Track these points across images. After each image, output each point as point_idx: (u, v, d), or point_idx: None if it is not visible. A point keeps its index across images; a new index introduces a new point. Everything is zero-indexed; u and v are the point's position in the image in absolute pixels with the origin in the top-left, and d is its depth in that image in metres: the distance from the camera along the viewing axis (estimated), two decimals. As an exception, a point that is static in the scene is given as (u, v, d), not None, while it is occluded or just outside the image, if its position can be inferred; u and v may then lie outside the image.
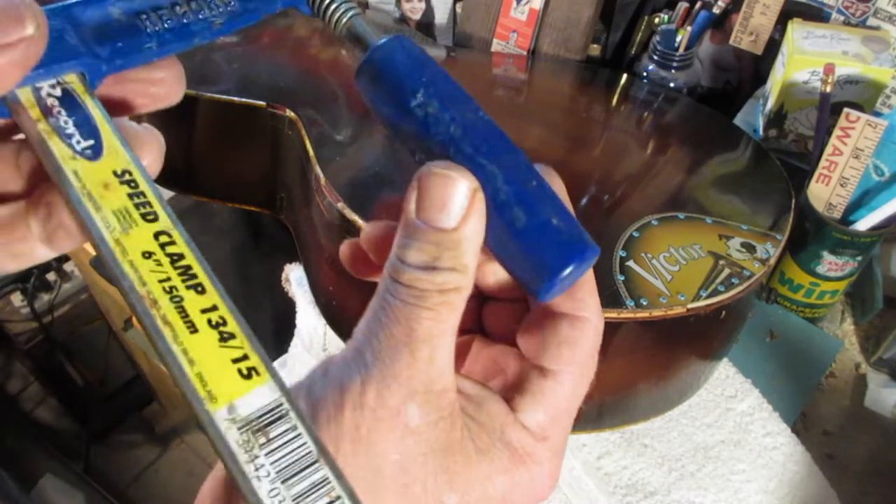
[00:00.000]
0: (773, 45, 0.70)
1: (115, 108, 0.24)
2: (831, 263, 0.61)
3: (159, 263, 0.20)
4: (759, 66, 0.76)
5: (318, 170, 0.54)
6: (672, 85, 0.74)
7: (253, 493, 0.18)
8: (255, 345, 0.20)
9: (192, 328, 0.19)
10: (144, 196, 0.21)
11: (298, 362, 0.61)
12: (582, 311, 0.26)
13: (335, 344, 0.58)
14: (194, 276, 0.20)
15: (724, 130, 0.68)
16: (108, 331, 1.38)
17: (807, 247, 0.61)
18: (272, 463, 0.18)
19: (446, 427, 0.23)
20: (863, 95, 0.64)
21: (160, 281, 0.20)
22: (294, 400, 0.19)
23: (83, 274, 1.47)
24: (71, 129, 0.21)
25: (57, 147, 0.21)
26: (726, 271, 0.50)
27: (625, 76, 0.74)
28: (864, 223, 0.58)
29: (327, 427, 0.22)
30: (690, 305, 0.48)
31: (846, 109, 0.56)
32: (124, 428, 1.58)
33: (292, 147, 0.60)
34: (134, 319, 0.84)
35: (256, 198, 0.66)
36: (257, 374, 0.19)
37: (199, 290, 0.20)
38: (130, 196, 0.21)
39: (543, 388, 0.25)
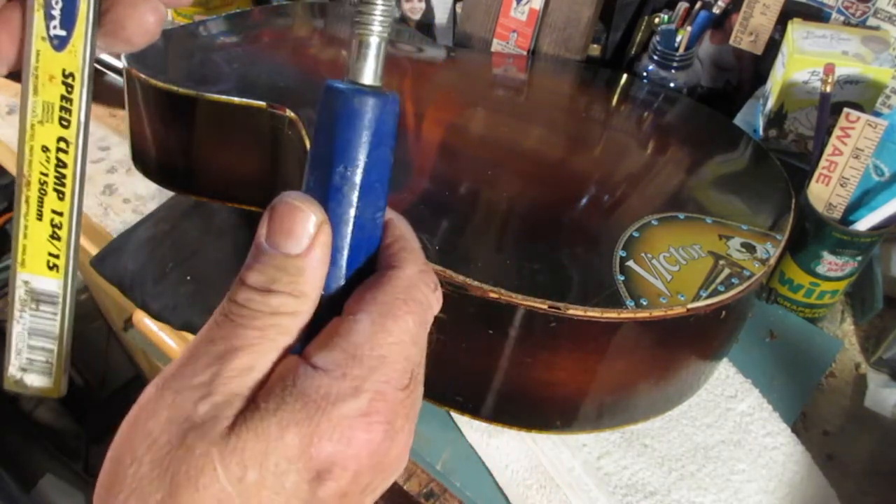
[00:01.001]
0: (773, 45, 0.70)
1: None
2: (831, 263, 0.61)
3: (48, 161, 0.25)
4: (759, 66, 0.76)
5: (318, 170, 0.54)
6: (672, 85, 0.74)
7: (11, 325, 0.27)
8: (71, 256, 0.26)
9: (39, 217, 0.26)
10: (70, 103, 0.25)
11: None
12: (393, 263, 0.26)
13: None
14: (63, 185, 0.25)
15: (724, 130, 0.68)
16: (108, 331, 1.38)
17: (807, 247, 0.61)
18: (29, 319, 0.27)
19: (229, 416, 0.23)
20: (863, 95, 0.64)
21: (41, 173, 0.25)
22: (67, 299, 0.27)
23: (83, 274, 1.47)
24: (56, 11, 0.24)
25: (38, 22, 0.24)
26: (726, 271, 0.50)
27: (625, 76, 0.74)
28: (864, 223, 0.58)
29: (127, 431, 0.23)
30: (690, 305, 0.48)
31: (846, 109, 0.56)
32: (124, 428, 1.58)
33: (292, 147, 0.60)
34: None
35: (256, 198, 0.66)
36: (56, 271, 0.26)
37: (61, 196, 0.25)
38: (62, 97, 0.25)
39: (337, 328, 0.24)
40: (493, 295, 0.46)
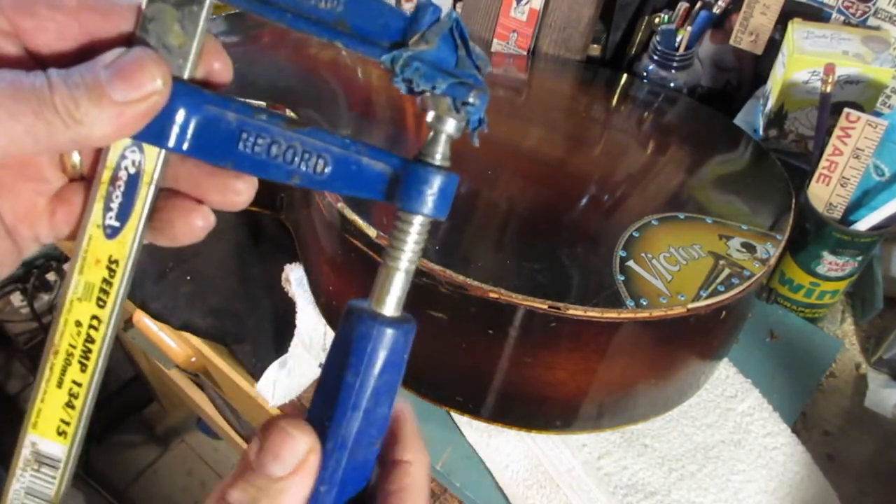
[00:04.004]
0: (774, 45, 0.70)
1: (190, 188, 0.27)
2: (831, 263, 0.61)
3: (78, 335, 0.26)
4: (759, 66, 0.76)
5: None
6: (672, 85, 0.74)
7: (11, 481, 0.27)
8: (81, 425, 0.27)
9: (59, 385, 0.27)
10: (110, 286, 0.26)
11: (298, 362, 0.61)
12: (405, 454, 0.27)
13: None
14: (87, 360, 0.26)
15: (724, 130, 0.68)
16: (108, 331, 1.37)
17: (807, 247, 0.61)
18: (29, 479, 0.27)
19: None
20: (863, 95, 0.64)
21: (69, 345, 0.26)
22: (69, 466, 0.27)
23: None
24: (114, 204, 0.26)
25: (96, 211, 0.26)
26: (726, 271, 0.50)
27: (625, 76, 0.74)
28: (864, 223, 0.58)
29: None
30: (690, 305, 0.48)
31: (846, 109, 0.56)
32: (124, 428, 1.58)
33: (292, 147, 0.60)
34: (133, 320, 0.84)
35: (256, 198, 0.66)
36: (64, 437, 0.27)
37: (83, 368, 0.26)
38: (103, 280, 0.26)
39: None
40: (493, 295, 0.46)
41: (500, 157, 0.58)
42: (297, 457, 0.24)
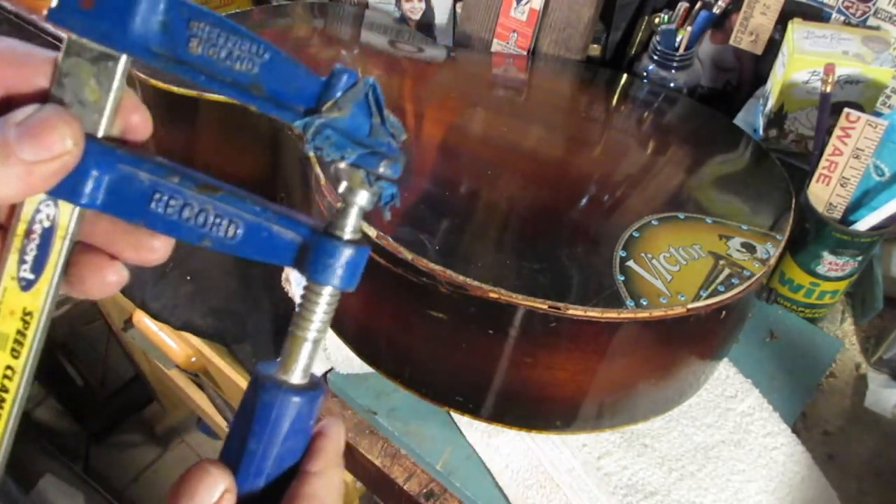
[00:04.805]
0: (774, 45, 0.70)
1: (105, 243, 0.27)
2: (831, 263, 0.61)
3: None
4: (759, 66, 0.76)
5: (318, 170, 0.54)
6: (672, 85, 0.74)
7: None
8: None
9: None
10: (24, 336, 0.26)
11: (298, 362, 0.61)
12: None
13: (334, 344, 0.58)
14: (1, 408, 0.27)
15: (724, 130, 0.68)
16: (108, 331, 1.38)
17: (807, 247, 0.61)
18: None
19: None
20: (863, 95, 0.64)
21: None
22: None
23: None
24: (29, 257, 0.26)
25: (11, 263, 0.26)
26: (726, 271, 0.50)
27: (625, 76, 0.74)
28: (864, 223, 0.58)
29: None
30: (690, 305, 0.48)
31: (846, 109, 0.56)
32: (124, 428, 1.58)
33: (292, 147, 0.60)
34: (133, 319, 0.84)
35: (256, 198, 0.66)
36: None
37: None
38: (17, 332, 0.26)
39: None
40: (493, 295, 0.46)
41: (500, 157, 0.58)
42: (213, 497, 0.25)
